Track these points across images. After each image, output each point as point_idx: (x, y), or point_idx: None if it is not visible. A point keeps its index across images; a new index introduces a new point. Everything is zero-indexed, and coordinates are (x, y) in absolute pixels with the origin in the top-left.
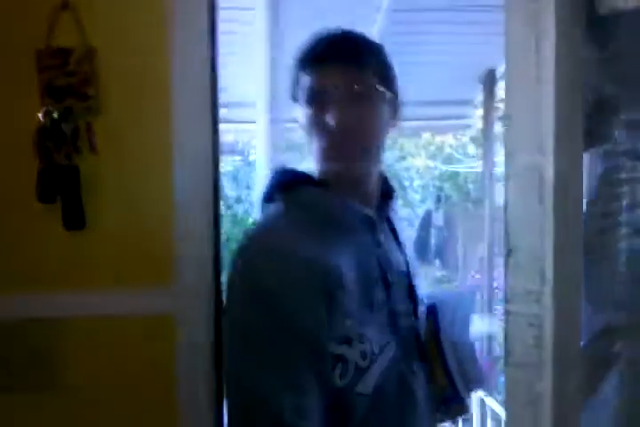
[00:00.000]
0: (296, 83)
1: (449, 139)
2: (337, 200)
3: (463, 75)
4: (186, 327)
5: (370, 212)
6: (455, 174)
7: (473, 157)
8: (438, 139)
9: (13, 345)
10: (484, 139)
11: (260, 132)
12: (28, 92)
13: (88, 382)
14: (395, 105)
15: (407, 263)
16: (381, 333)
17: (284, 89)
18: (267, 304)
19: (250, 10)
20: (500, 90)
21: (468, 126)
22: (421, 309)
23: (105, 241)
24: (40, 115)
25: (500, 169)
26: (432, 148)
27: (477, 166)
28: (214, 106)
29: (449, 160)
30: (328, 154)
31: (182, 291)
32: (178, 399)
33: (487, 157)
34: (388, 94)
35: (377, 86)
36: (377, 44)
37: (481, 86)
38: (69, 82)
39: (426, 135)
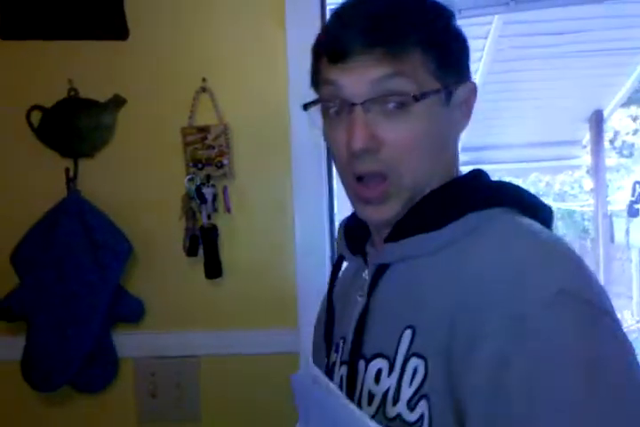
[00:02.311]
0: (314, 80)
1: (560, 176)
2: (340, 231)
3: (570, 116)
4: None
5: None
6: (571, 212)
7: (588, 192)
8: (547, 177)
9: (160, 380)
10: (594, 179)
11: None
12: (175, 162)
13: (222, 415)
14: (465, 94)
15: (355, 337)
16: None
17: None
18: None
19: None
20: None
21: (578, 166)
22: None
23: (238, 287)
24: (186, 182)
25: (612, 207)
26: (541, 185)
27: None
28: (329, 165)
29: (562, 198)
30: (354, 191)
31: (305, 330)
32: None
33: (598, 195)
34: (453, 87)
35: (431, 82)
36: (429, 3)
37: (587, 127)
38: (208, 154)
39: (535, 175)
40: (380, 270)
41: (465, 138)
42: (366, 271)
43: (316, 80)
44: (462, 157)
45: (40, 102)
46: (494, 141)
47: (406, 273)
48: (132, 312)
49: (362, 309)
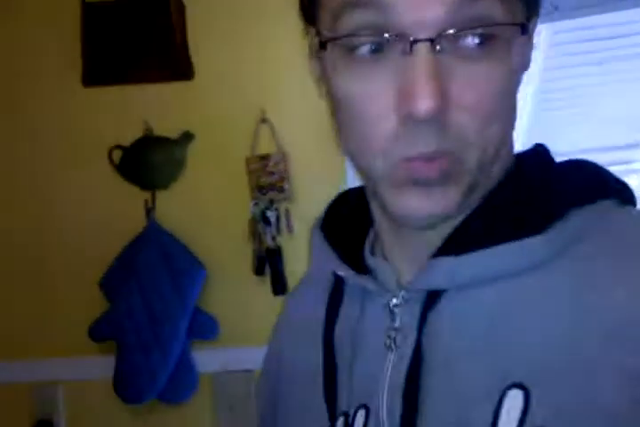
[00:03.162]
0: (314, 4)
1: (631, 181)
2: (318, 246)
3: (627, 120)
4: None
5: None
6: None
7: None
8: None
9: (233, 392)
10: None
11: None
12: (240, 189)
13: None
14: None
15: (406, 395)
16: None
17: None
18: None
19: None
20: None
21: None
22: None
23: None
24: (251, 206)
25: None
26: None
27: None
28: None
29: None
30: (398, 171)
31: None
32: None
33: None
34: (532, 18)
35: (520, 12)
36: None
37: None
38: (270, 180)
39: None
40: (431, 300)
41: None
42: (394, 301)
43: (328, 4)
44: None
45: (120, 142)
46: (552, 148)
47: (480, 302)
48: (209, 330)
49: (409, 360)
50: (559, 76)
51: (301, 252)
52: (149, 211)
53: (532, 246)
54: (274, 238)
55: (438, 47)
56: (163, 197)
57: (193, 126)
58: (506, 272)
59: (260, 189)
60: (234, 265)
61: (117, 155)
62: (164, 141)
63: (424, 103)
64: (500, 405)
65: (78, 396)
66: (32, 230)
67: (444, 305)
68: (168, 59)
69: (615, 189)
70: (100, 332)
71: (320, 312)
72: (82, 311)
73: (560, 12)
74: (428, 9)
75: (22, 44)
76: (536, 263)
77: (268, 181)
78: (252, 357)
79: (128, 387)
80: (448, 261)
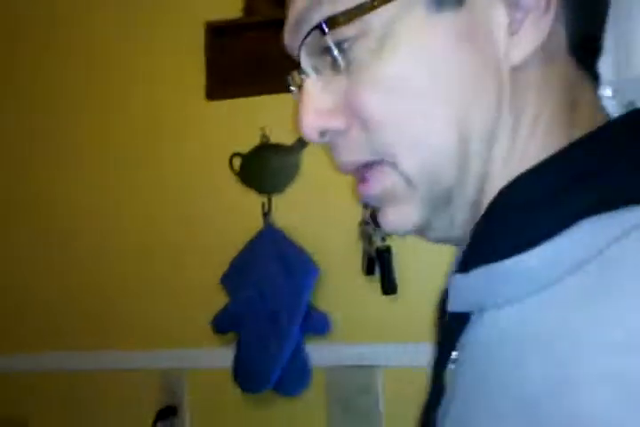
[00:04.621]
0: None
1: None
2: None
3: None
4: None
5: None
6: None
7: None
8: None
9: (345, 386)
10: None
11: None
12: (351, 192)
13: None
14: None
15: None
16: None
17: None
18: None
19: None
20: None
21: None
22: None
23: (412, 304)
24: (361, 208)
25: None
26: None
27: None
28: None
29: None
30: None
31: None
32: None
33: None
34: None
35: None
36: None
37: None
38: None
39: None
40: (459, 322)
41: None
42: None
43: None
44: None
45: (239, 150)
46: None
47: (496, 326)
48: (321, 326)
49: (430, 394)
50: None
51: (410, 252)
52: (266, 214)
53: (525, 266)
54: (383, 239)
55: (305, 68)
56: (278, 201)
57: None
58: (509, 295)
59: None
60: (345, 265)
61: (237, 162)
62: (279, 148)
63: (303, 132)
64: None
65: (201, 383)
66: (165, 234)
67: (471, 328)
68: (283, 72)
69: None
70: (221, 325)
71: None
72: (206, 306)
73: None
74: (287, 42)
75: (155, 65)
76: (536, 287)
77: None
78: (360, 353)
79: (246, 376)
80: (457, 280)
